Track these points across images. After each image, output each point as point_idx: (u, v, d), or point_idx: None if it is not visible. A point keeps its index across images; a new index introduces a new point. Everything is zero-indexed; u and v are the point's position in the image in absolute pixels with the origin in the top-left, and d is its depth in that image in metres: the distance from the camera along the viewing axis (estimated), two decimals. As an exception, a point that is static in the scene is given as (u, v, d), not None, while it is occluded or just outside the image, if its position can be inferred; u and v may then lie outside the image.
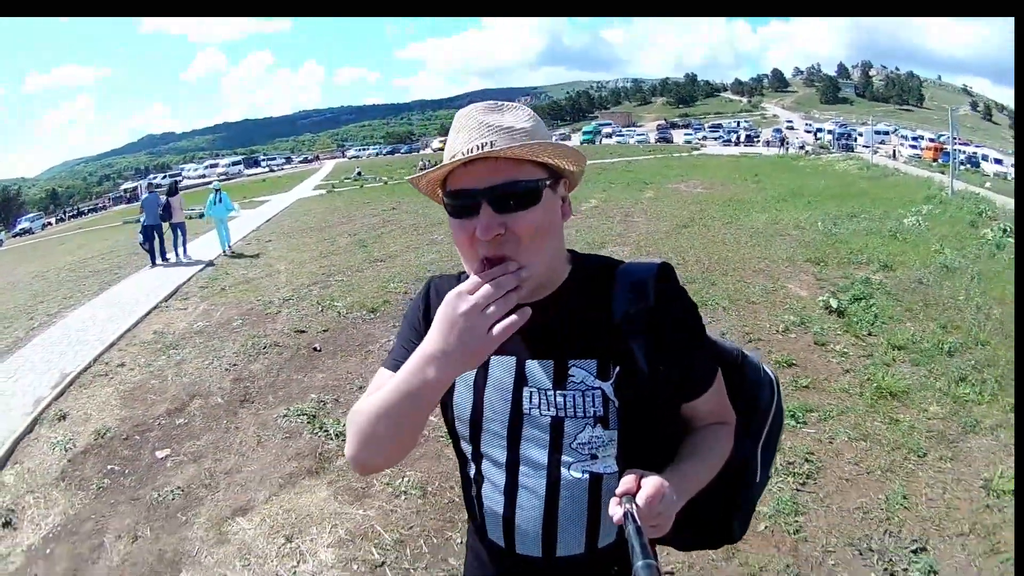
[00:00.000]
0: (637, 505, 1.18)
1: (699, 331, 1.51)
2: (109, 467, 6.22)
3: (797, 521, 4.48)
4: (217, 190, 18.45)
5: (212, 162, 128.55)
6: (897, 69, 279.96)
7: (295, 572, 4.26)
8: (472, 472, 1.53)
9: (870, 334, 8.02)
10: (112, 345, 10.06)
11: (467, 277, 1.43)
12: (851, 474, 5.04)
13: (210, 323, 10.89)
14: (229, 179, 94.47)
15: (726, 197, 22.87)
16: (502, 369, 1.45)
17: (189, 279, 14.85)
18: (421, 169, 2.09)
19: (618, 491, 1.24)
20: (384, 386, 1.34)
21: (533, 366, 1.43)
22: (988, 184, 31.81)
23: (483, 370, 1.47)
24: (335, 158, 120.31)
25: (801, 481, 4.99)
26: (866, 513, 4.53)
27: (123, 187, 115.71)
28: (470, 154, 1.27)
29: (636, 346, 1.39)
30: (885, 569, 3.98)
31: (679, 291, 1.48)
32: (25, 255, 32.14)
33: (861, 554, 4.12)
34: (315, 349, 8.75)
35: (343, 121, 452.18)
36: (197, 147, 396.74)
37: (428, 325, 1.38)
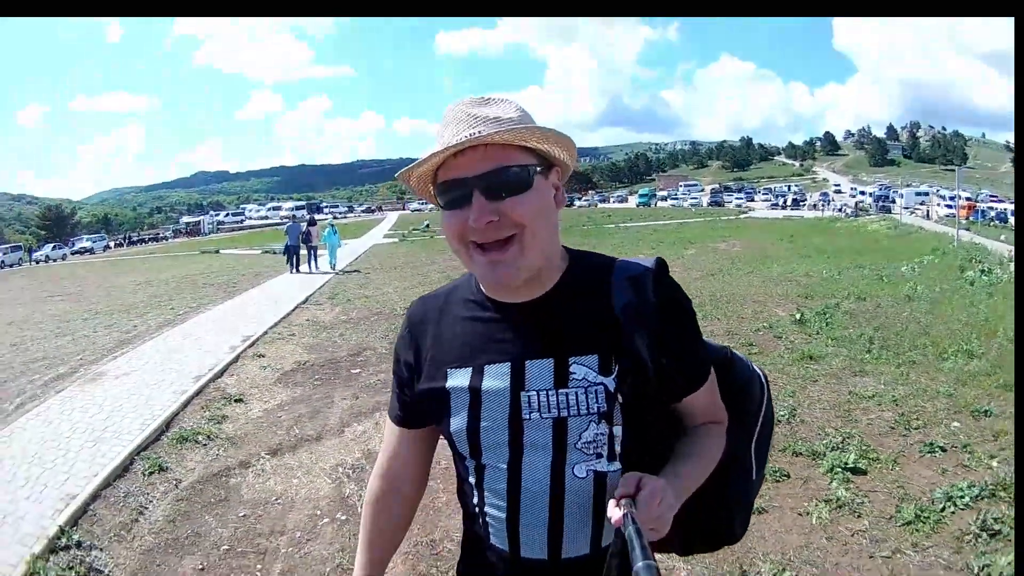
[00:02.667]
0: (636, 507, 1.21)
1: (696, 325, 1.53)
2: (316, 378, 9.41)
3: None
4: (332, 224, 26.88)
5: (275, 205, 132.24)
6: (944, 129, 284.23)
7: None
8: (473, 481, 1.52)
9: (818, 332, 10.68)
10: (275, 325, 13.40)
11: (446, 292, 1.63)
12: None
13: (351, 317, 14.28)
14: (295, 222, 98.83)
15: (756, 254, 25.54)
16: (497, 377, 1.44)
17: (315, 291, 19.03)
18: None
19: (617, 494, 1.26)
20: (362, 539, 1.73)
21: (532, 367, 1.42)
22: (1003, 237, 33.26)
23: (477, 379, 1.45)
24: (396, 210, 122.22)
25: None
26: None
27: (184, 220, 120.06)
28: (457, 143, 1.28)
29: (638, 339, 1.40)
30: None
31: (676, 285, 1.51)
32: (106, 269, 37.28)
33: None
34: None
35: None
36: (252, 188, 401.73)
37: (415, 353, 1.59)
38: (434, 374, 1.52)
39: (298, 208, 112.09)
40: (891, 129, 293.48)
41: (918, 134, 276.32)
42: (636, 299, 1.43)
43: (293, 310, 15.62)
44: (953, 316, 11.57)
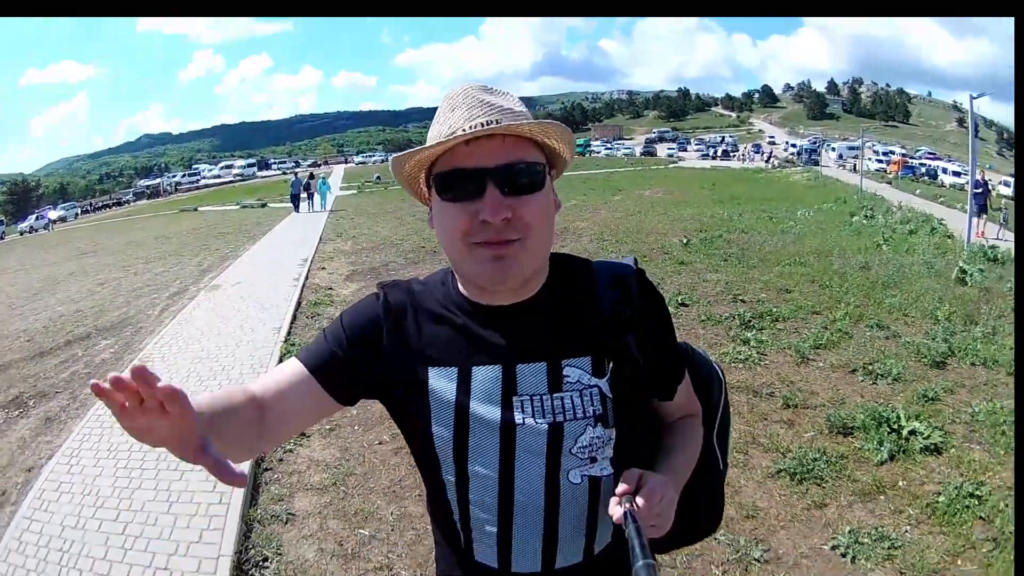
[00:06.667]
0: (637, 505, 1.24)
1: (672, 322, 1.56)
2: (368, 277, 13.88)
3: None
4: (324, 178, 35.25)
5: (227, 163, 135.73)
6: (888, 86, 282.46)
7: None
8: (455, 494, 1.47)
9: (696, 251, 14.69)
10: (313, 253, 17.58)
11: (419, 286, 1.53)
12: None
13: (363, 247, 18.63)
14: (245, 180, 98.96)
15: (675, 200, 28.78)
16: (487, 380, 1.40)
17: (322, 231, 23.32)
18: None
19: (618, 491, 1.28)
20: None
21: (524, 371, 1.40)
22: (919, 191, 36.02)
23: (464, 384, 1.41)
24: (339, 163, 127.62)
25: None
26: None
27: (143, 183, 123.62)
28: (478, 129, 1.22)
29: (628, 339, 1.42)
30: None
31: (654, 285, 1.54)
32: (100, 231, 40.81)
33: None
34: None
35: (340, 127, 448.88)
36: (195, 149, 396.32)
37: (387, 333, 1.46)
38: (406, 366, 1.45)
39: (248, 166, 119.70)
40: (832, 83, 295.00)
41: (859, 89, 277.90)
42: (622, 299, 1.44)
43: (317, 244, 19.80)
44: (808, 244, 15.13)
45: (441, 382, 1.42)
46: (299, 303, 11.70)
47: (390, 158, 1.39)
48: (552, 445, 1.39)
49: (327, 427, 6.63)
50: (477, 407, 1.40)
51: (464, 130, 1.23)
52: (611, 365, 1.42)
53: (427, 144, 1.30)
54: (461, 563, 1.55)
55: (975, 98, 17.80)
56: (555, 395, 1.39)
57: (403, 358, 1.45)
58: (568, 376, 1.40)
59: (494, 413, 1.39)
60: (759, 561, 4.33)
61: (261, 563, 4.51)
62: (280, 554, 4.59)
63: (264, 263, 16.80)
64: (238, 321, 10.79)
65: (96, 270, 20.21)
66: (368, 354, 1.46)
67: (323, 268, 15.46)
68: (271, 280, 14.08)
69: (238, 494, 5.21)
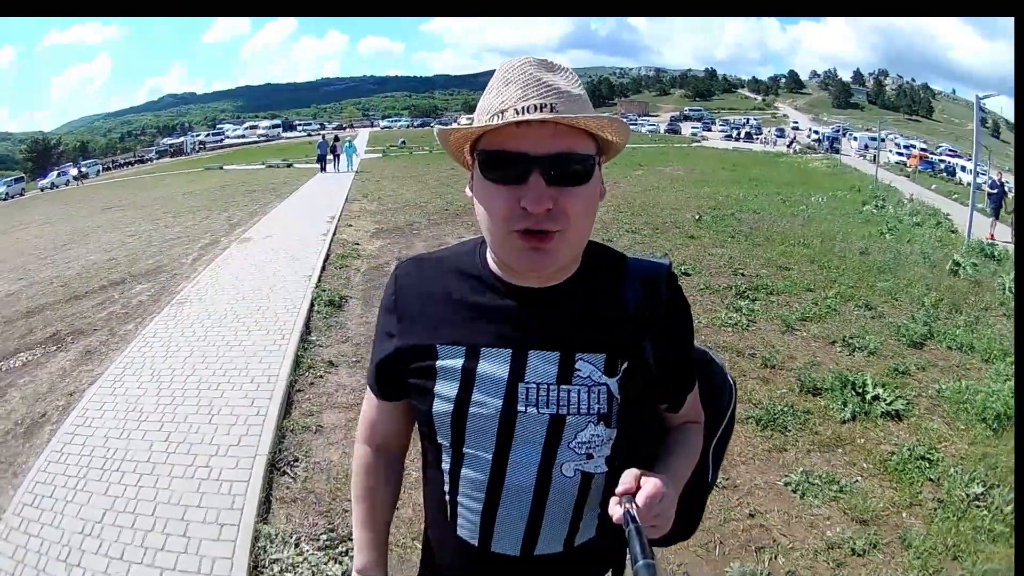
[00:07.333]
0: (637, 505, 1.23)
1: (693, 331, 1.55)
2: (393, 235, 14.58)
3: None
4: (350, 141, 36.95)
5: (252, 124, 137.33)
6: (913, 80, 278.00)
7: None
8: (447, 468, 1.49)
9: (707, 227, 15.35)
10: (340, 211, 18.24)
11: (442, 259, 1.54)
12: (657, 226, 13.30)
13: (388, 207, 19.20)
14: (270, 140, 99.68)
15: (694, 178, 28.98)
16: (496, 363, 1.39)
17: (349, 188, 24.25)
18: None
19: (618, 491, 1.26)
20: (357, 518, 1.67)
21: (536, 358, 1.38)
22: (934, 186, 35.81)
23: (472, 362, 1.40)
24: (365, 127, 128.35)
25: (642, 235, 13.32)
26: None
27: (166, 142, 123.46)
28: (529, 114, 1.19)
29: (646, 342, 1.41)
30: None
31: (681, 289, 1.52)
32: (126, 186, 41.84)
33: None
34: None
35: (365, 91, 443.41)
36: (219, 109, 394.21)
37: (400, 318, 1.48)
38: (420, 348, 1.45)
39: (273, 127, 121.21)
40: (857, 74, 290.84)
41: (884, 82, 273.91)
42: (648, 301, 1.43)
43: (344, 203, 20.22)
44: (815, 228, 15.62)
45: (449, 360, 1.41)
46: (328, 255, 12.39)
47: (435, 128, 1.39)
48: (551, 437, 1.38)
49: (353, 359, 7.38)
50: (481, 389, 1.39)
51: (516, 110, 1.20)
52: (624, 366, 1.39)
53: (476, 117, 1.31)
54: (444, 536, 1.57)
55: (982, 98, 18.35)
56: (563, 387, 1.37)
57: (415, 335, 1.46)
58: (580, 370, 1.38)
59: (497, 397, 1.38)
60: (716, 487, 4.92)
61: (292, 462, 5.26)
62: (309, 456, 5.36)
63: (292, 219, 17.43)
64: (271, 269, 11.44)
65: (125, 223, 20.80)
66: (396, 345, 1.49)
67: (350, 225, 15.91)
68: (300, 234, 14.66)
69: (274, 408, 5.99)
